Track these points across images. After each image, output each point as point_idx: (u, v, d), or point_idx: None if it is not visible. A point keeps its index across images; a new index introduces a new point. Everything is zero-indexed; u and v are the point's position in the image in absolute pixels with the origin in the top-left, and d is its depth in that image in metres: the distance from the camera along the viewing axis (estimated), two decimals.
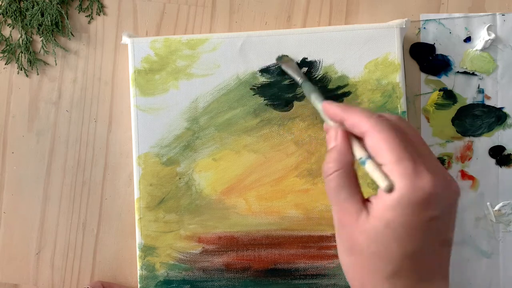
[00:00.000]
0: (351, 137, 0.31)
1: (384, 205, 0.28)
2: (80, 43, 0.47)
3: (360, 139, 0.30)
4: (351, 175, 0.30)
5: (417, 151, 0.28)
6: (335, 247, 0.42)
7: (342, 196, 0.29)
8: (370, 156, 0.29)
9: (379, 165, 0.28)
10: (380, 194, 0.28)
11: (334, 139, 0.31)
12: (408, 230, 0.27)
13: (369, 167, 0.29)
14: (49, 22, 0.46)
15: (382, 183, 0.27)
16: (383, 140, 0.28)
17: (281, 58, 0.42)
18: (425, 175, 0.27)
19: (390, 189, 0.27)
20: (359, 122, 0.30)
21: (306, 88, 0.39)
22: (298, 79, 0.40)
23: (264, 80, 0.43)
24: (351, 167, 0.30)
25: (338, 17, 0.46)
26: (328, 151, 0.31)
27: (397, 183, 0.27)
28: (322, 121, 0.43)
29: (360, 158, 0.29)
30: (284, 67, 0.42)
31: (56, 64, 0.47)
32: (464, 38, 0.45)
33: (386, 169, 0.28)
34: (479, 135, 0.45)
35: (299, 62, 0.42)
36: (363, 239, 0.28)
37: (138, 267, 0.43)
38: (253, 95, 0.43)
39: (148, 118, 0.43)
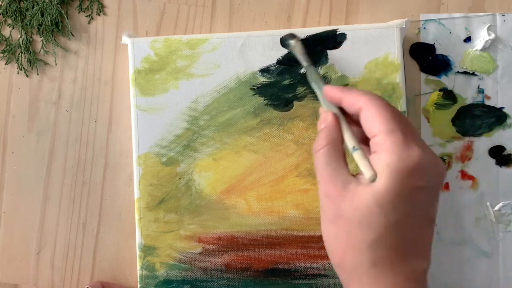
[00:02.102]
0: (344, 125, 0.32)
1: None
2: (80, 43, 0.47)
3: (353, 125, 0.32)
4: (339, 151, 0.32)
5: (407, 128, 0.30)
6: None
7: (330, 169, 0.31)
8: (359, 147, 0.31)
9: (367, 157, 0.30)
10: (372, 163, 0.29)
11: (324, 120, 0.33)
12: (393, 197, 0.28)
13: (357, 155, 0.30)
14: (49, 22, 0.46)
15: (367, 172, 0.29)
16: (377, 113, 0.30)
17: (286, 40, 0.41)
18: (414, 147, 0.28)
19: (373, 180, 0.29)
20: (355, 98, 0.31)
21: (310, 73, 0.38)
22: (303, 63, 0.39)
23: (264, 80, 0.43)
24: (339, 144, 0.32)
25: (338, 17, 0.46)
26: (319, 131, 0.33)
27: (387, 151, 0.28)
28: None
29: (353, 147, 0.31)
30: (290, 49, 0.41)
31: (56, 64, 0.47)
32: (464, 38, 0.45)
33: (378, 139, 0.29)
34: (479, 135, 0.45)
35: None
36: (348, 208, 0.29)
37: (138, 267, 0.43)
38: (253, 95, 0.43)
39: (148, 118, 0.43)
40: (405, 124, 0.30)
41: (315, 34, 0.42)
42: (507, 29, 0.45)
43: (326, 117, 0.33)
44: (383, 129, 0.29)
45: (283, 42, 0.42)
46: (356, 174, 0.31)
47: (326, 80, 0.42)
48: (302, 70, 0.43)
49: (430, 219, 0.30)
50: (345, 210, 0.29)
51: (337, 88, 0.33)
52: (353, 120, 0.33)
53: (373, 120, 0.30)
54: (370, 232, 0.28)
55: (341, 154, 0.32)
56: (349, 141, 0.32)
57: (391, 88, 0.42)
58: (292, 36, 0.41)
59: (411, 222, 0.29)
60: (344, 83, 0.42)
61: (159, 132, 0.43)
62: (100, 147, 0.47)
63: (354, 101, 0.31)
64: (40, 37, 0.47)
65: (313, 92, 0.42)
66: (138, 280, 0.43)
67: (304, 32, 0.42)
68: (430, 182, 0.29)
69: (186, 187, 0.43)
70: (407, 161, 0.28)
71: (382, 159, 0.29)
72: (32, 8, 0.46)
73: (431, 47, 0.45)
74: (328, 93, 0.34)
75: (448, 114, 0.45)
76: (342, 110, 0.34)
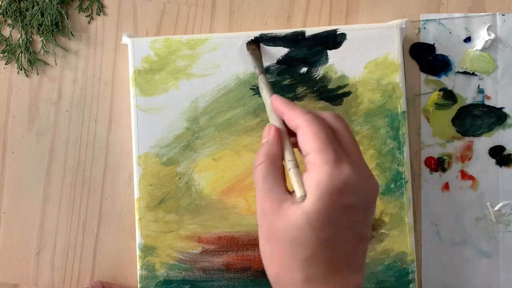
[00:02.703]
0: (285, 141, 0.32)
1: (307, 191, 0.29)
2: (80, 43, 0.47)
3: (294, 142, 0.32)
4: (278, 167, 0.32)
5: (342, 147, 0.30)
6: None
7: (267, 185, 0.31)
8: (297, 165, 0.31)
9: (300, 175, 0.30)
10: (304, 182, 0.30)
11: (267, 135, 0.33)
12: (324, 216, 0.28)
13: (292, 173, 0.30)
14: (49, 22, 0.46)
15: (298, 191, 0.29)
16: (311, 132, 0.30)
17: (247, 45, 0.42)
18: (344, 165, 0.29)
19: (302, 199, 0.29)
20: (295, 117, 0.31)
21: (261, 81, 0.38)
22: (257, 70, 0.40)
23: None
24: (279, 161, 0.32)
25: (338, 17, 0.46)
26: (261, 145, 0.33)
27: (317, 170, 0.29)
28: None
29: (289, 162, 0.31)
30: (250, 54, 0.42)
31: (56, 64, 0.47)
32: (464, 38, 0.45)
33: (310, 157, 0.29)
34: (479, 135, 0.45)
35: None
36: (282, 226, 0.29)
37: (138, 267, 0.43)
38: (253, 95, 0.43)
39: (148, 118, 0.43)
40: (339, 143, 0.30)
41: (315, 34, 0.42)
42: (507, 29, 0.45)
43: (269, 131, 0.33)
44: (315, 148, 0.29)
45: (246, 46, 0.42)
46: (292, 192, 0.31)
47: (326, 80, 0.42)
48: (302, 70, 0.43)
49: (362, 235, 0.30)
50: (279, 228, 0.29)
51: (282, 102, 0.33)
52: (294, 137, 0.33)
53: (307, 139, 0.30)
54: (302, 250, 0.29)
55: (279, 171, 0.31)
56: (287, 158, 0.32)
57: (391, 88, 0.42)
58: (255, 41, 0.42)
59: (343, 239, 0.29)
60: (344, 83, 0.42)
61: (159, 132, 0.43)
62: (100, 147, 0.47)
63: (293, 118, 0.32)
64: (40, 37, 0.47)
65: (313, 92, 0.43)
66: (138, 280, 0.43)
67: (304, 32, 0.42)
68: (361, 199, 0.29)
69: (186, 187, 0.43)
70: (337, 179, 0.28)
71: (313, 177, 0.29)
72: (32, 8, 0.46)
73: (431, 47, 0.45)
74: (273, 103, 0.34)
75: (448, 114, 0.45)
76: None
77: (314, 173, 0.29)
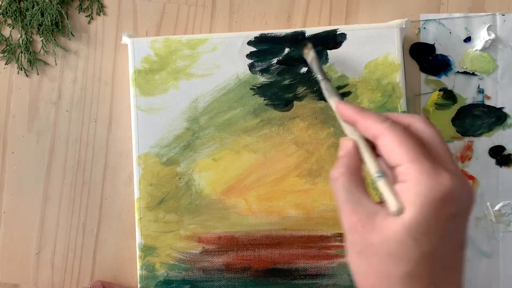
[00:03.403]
0: (367, 151, 0.31)
1: (405, 203, 0.27)
2: (80, 43, 0.47)
3: (374, 149, 0.31)
4: (360, 179, 0.30)
5: (433, 153, 0.29)
6: (335, 247, 0.42)
7: (354, 198, 0.29)
8: (384, 174, 0.29)
9: (391, 186, 0.28)
10: (399, 193, 0.28)
11: (344, 147, 0.31)
12: (426, 228, 0.27)
13: (382, 184, 0.29)
14: (49, 22, 0.46)
15: (393, 204, 0.28)
16: (397, 142, 0.28)
17: (305, 45, 0.41)
18: (443, 173, 0.27)
19: (400, 212, 0.27)
20: (371, 125, 0.30)
21: (325, 88, 0.37)
22: (318, 75, 0.39)
23: (264, 80, 0.43)
24: (360, 172, 0.30)
25: (338, 17, 0.46)
26: (338, 159, 0.32)
27: (415, 180, 0.27)
28: (322, 121, 0.43)
29: (376, 174, 0.29)
30: (308, 61, 0.41)
31: (56, 64, 0.47)
32: (464, 38, 0.45)
33: (403, 168, 0.28)
34: (479, 135, 0.45)
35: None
36: (378, 240, 0.28)
37: (138, 267, 0.43)
38: (253, 95, 0.43)
39: (148, 118, 0.43)
40: (428, 149, 0.29)
41: (315, 34, 0.42)
42: (507, 29, 0.45)
43: (346, 144, 0.31)
44: (406, 158, 0.28)
45: (303, 51, 0.42)
46: (379, 203, 0.29)
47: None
48: (302, 70, 0.43)
49: (462, 245, 0.29)
50: (374, 243, 0.28)
51: (352, 109, 0.32)
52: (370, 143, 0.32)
53: (393, 149, 0.28)
54: (403, 264, 0.27)
55: (362, 183, 0.30)
56: (373, 169, 0.30)
57: (391, 88, 0.42)
58: (309, 46, 0.41)
59: (444, 251, 0.28)
60: (344, 83, 0.42)
61: (159, 132, 0.43)
62: (100, 147, 0.47)
63: (369, 128, 0.30)
64: (40, 37, 0.47)
65: (313, 92, 0.43)
66: (138, 280, 0.43)
67: (304, 32, 0.42)
68: (461, 208, 0.28)
69: (186, 187, 0.43)
70: (438, 189, 0.27)
71: (411, 189, 0.27)
72: (32, 8, 0.46)
73: (431, 47, 0.45)
74: (340, 111, 0.33)
75: (448, 114, 0.45)
76: None
77: (411, 184, 0.27)
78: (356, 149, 0.31)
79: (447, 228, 0.27)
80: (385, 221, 0.28)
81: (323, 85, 0.37)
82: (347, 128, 0.33)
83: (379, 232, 0.28)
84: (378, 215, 0.28)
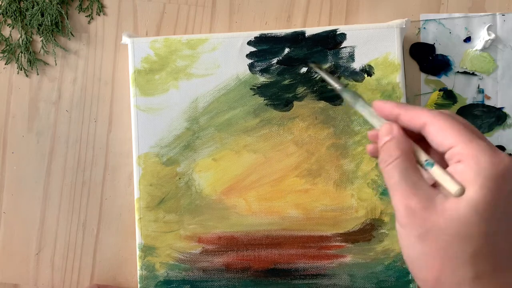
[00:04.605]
0: (411, 141, 0.31)
1: (464, 182, 0.28)
2: (80, 43, 0.47)
3: (417, 139, 0.31)
4: (414, 162, 0.30)
5: (481, 135, 0.29)
6: (335, 247, 0.43)
7: (410, 181, 0.29)
8: (434, 161, 0.29)
9: (446, 170, 0.28)
10: (456, 174, 0.28)
11: (389, 132, 0.31)
12: (492, 205, 0.27)
13: (436, 170, 0.29)
14: (49, 22, 0.46)
15: (453, 187, 0.28)
16: (448, 125, 0.29)
17: (312, 66, 0.42)
18: (499, 151, 0.28)
19: (461, 193, 0.27)
20: (418, 114, 0.30)
21: (348, 95, 0.36)
22: (337, 86, 0.38)
23: (264, 80, 0.43)
24: (412, 155, 0.30)
25: (338, 17, 0.46)
26: (381, 148, 0.31)
27: (475, 159, 0.27)
28: (322, 121, 0.43)
29: (426, 161, 0.29)
30: (319, 72, 0.42)
31: (56, 64, 0.47)
32: (464, 38, 0.45)
33: (458, 149, 0.28)
34: None
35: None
36: (442, 221, 0.28)
37: (138, 267, 0.43)
38: (253, 95, 0.43)
39: (148, 118, 0.43)
40: (477, 132, 0.29)
41: (315, 34, 0.42)
42: (507, 29, 0.45)
43: (390, 129, 0.31)
44: (461, 140, 0.28)
45: (312, 69, 0.42)
46: (434, 186, 0.29)
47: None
48: (302, 70, 0.43)
49: None
50: (437, 224, 0.28)
51: (391, 104, 0.32)
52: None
53: (445, 133, 0.28)
54: (470, 243, 0.27)
55: (416, 166, 0.30)
56: (422, 156, 0.30)
57: (391, 88, 0.42)
58: (314, 63, 0.42)
59: (506, 228, 0.28)
60: (344, 83, 0.42)
61: (159, 132, 0.43)
62: (100, 147, 0.47)
63: (415, 117, 0.30)
64: (40, 37, 0.47)
65: (313, 92, 0.43)
66: (138, 280, 0.43)
67: (304, 32, 0.42)
68: None
69: (186, 187, 0.43)
70: (500, 166, 0.27)
71: (471, 168, 0.27)
72: (32, 8, 0.46)
73: (431, 47, 0.45)
74: (382, 109, 0.32)
75: None
76: None
77: (468, 164, 0.27)
78: (404, 133, 0.31)
79: (509, 203, 0.28)
80: (447, 203, 0.28)
81: (346, 92, 0.36)
82: (379, 125, 0.33)
83: (442, 214, 0.28)
84: (437, 197, 0.28)
